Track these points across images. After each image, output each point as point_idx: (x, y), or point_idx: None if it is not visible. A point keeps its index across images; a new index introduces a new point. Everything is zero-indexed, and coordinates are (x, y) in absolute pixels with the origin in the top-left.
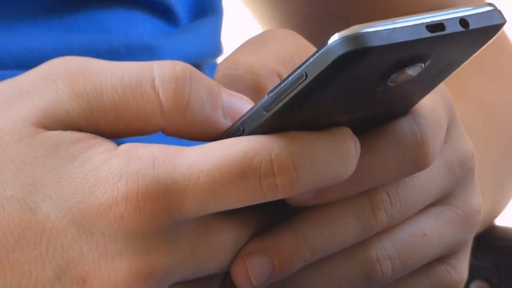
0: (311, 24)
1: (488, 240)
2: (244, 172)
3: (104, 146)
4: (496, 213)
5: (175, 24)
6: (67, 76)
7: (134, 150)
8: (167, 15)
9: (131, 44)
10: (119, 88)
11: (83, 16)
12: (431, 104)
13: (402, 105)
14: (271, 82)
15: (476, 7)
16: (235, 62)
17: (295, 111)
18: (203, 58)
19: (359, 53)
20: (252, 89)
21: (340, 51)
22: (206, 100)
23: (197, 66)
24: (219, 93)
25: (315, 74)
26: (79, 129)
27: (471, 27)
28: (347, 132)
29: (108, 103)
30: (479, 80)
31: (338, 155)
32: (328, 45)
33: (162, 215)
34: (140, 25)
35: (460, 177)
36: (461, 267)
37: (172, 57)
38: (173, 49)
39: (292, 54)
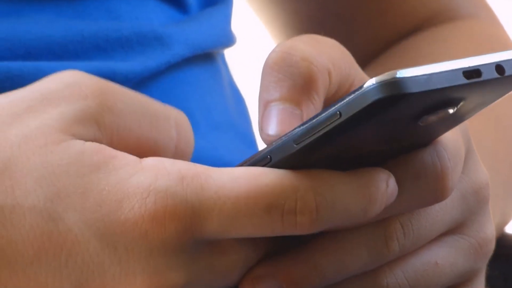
0: (315, 25)
1: (496, 249)
2: (269, 206)
3: (127, 159)
4: (505, 224)
5: (185, 11)
6: (97, 89)
7: (162, 165)
8: (177, 2)
9: (141, 32)
10: (147, 114)
11: (93, 1)
12: (452, 135)
13: (427, 138)
14: (323, 77)
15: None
16: (292, 48)
17: (325, 146)
18: (213, 47)
19: (395, 99)
20: (305, 78)
21: (377, 96)
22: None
23: (208, 55)
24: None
25: (349, 115)
26: (101, 142)
27: (507, 73)
28: (374, 177)
29: (134, 124)
30: None
31: (359, 200)
32: (364, 88)
33: (185, 235)
34: (151, 11)
35: (474, 207)
36: None
37: (182, 46)
38: (183, 37)
39: (340, 59)
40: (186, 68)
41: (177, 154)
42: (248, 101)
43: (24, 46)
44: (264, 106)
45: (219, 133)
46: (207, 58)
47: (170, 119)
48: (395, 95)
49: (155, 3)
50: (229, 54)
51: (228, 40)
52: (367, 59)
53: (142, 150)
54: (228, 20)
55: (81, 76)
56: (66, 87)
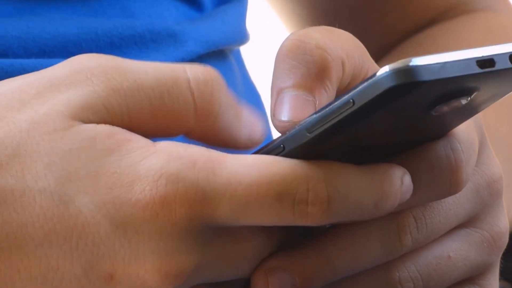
0: (330, 19)
1: (511, 241)
2: (280, 194)
3: (141, 142)
4: None
5: (199, 9)
6: (102, 72)
7: (175, 149)
8: None
9: (154, 29)
10: (155, 87)
11: None
12: (466, 128)
13: (440, 129)
14: (337, 65)
15: None
16: (306, 36)
17: (338, 135)
18: (227, 44)
19: (408, 87)
20: (318, 65)
21: (390, 84)
22: (232, 108)
23: (222, 52)
24: (240, 103)
25: (362, 103)
26: (113, 125)
27: None
28: (389, 172)
29: (144, 101)
30: None
31: (372, 195)
32: (377, 76)
33: (195, 219)
34: (164, 9)
35: (487, 200)
36: (491, 287)
37: (196, 43)
38: (197, 35)
39: (354, 51)
40: None
41: (199, 116)
42: (265, 98)
43: (38, 44)
44: (277, 93)
45: None
46: (220, 55)
47: (179, 80)
48: (408, 83)
49: (169, 1)
50: (246, 51)
51: (242, 37)
52: (382, 51)
53: (159, 122)
54: (242, 18)
55: (89, 60)
56: (73, 74)
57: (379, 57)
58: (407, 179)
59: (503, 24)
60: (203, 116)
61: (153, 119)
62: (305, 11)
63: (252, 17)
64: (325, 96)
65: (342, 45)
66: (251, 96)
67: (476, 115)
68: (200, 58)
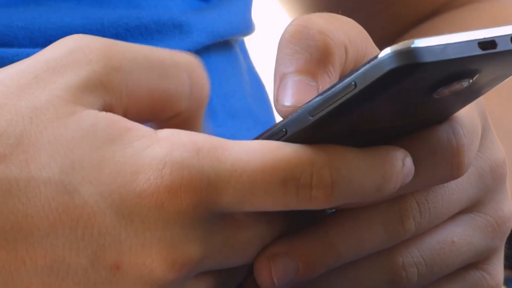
0: (335, 7)
1: None
2: (285, 179)
3: (143, 131)
4: None
5: None
6: (100, 50)
7: (177, 137)
8: None
9: (160, 20)
10: (154, 66)
11: None
12: (468, 112)
13: (442, 113)
14: (339, 51)
15: None
16: (309, 22)
17: (340, 118)
18: (233, 35)
19: (410, 68)
20: (321, 50)
21: (392, 65)
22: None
23: (227, 43)
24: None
25: (364, 85)
26: (112, 105)
27: None
28: (390, 155)
29: (142, 79)
30: None
31: (374, 178)
32: (379, 58)
33: (200, 207)
34: (170, 0)
35: (491, 185)
36: (496, 272)
37: (202, 34)
38: (203, 25)
39: (357, 37)
40: (205, 56)
41: (192, 100)
42: (269, 88)
43: (43, 34)
44: (280, 78)
45: (237, 120)
46: (225, 45)
47: (179, 65)
48: (410, 64)
49: None
50: (250, 42)
51: (247, 28)
52: (386, 41)
53: (155, 102)
54: (248, 8)
55: (84, 39)
56: (70, 54)
57: (383, 47)
58: (409, 161)
59: (508, 14)
60: (196, 100)
61: (150, 99)
62: (310, 1)
63: (257, 9)
64: (327, 81)
65: (345, 31)
66: (256, 86)
67: (479, 101)
68: (205, 49)
